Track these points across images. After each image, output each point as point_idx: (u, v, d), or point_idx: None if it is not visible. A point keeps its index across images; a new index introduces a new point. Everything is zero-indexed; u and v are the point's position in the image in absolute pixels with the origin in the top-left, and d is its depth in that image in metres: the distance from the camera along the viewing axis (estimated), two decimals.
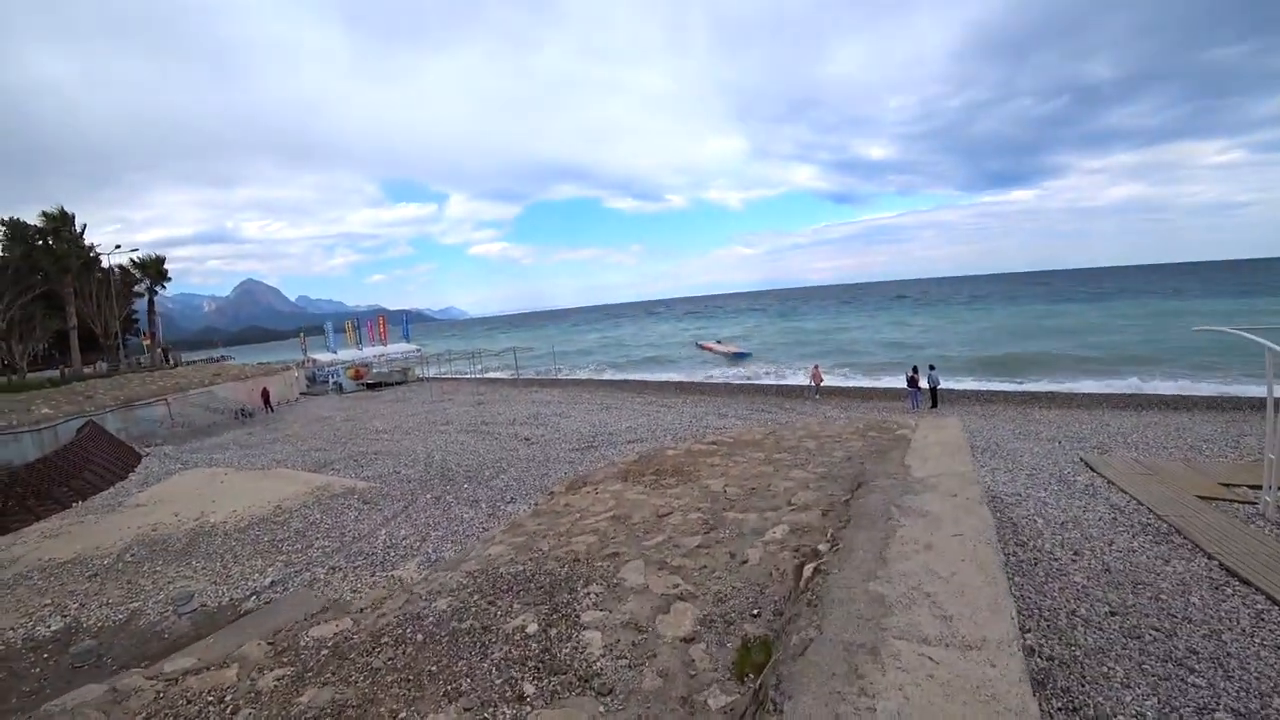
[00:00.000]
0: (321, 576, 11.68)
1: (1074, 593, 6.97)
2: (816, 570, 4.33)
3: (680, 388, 35.54)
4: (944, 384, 24.57)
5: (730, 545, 5.63)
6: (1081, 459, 14.22)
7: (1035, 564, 7.95)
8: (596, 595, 4.95)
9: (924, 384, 23.75)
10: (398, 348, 52.32)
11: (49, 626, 11.10)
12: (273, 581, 11.73)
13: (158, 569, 12.88)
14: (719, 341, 61.39)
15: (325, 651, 4.82)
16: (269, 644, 5.13)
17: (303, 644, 5.02)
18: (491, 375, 51.51)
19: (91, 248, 44.89)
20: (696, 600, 4.59)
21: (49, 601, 12.02)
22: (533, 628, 4.54)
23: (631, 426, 23.39)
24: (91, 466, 22.88)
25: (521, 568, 5.88)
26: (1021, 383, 29.75)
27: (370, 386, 46.54)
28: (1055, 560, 8.05)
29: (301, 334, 54.33)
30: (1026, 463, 14.29)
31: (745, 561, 5.15)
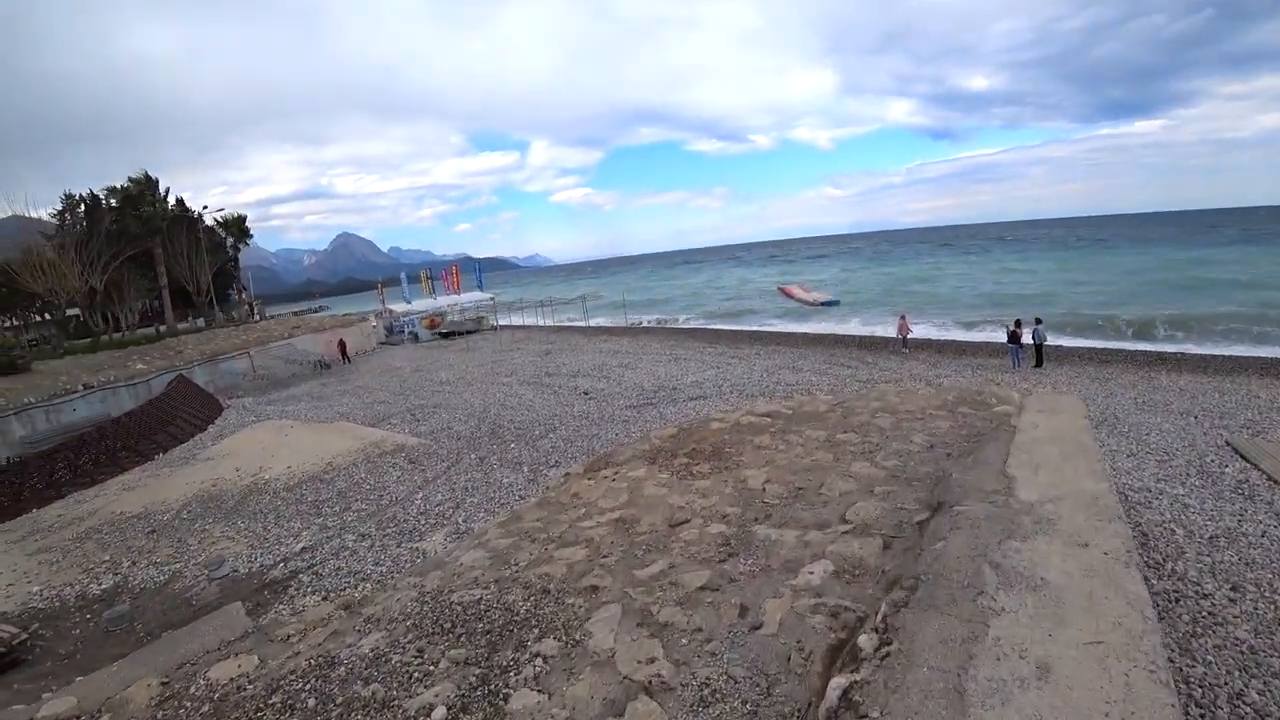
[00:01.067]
0: (350, 545, 11.28)
1: (1237, 656, 5.06)
2: (847, 697, 2.77)
3: (755, 337, 33.62)
4: (1051, 340, 21.69)
5: (747, 590, 4.19)
6: (1227, 442, 11.71)
7: (1176, 601, 6.05)
8: (543, 663, 3.67)
9: (1027, 339, 21.01)
10: (471, 296, 52.29)
11: (100, 585, 11.24)
12: (304, 548, 11.49)
13: (207, 527, 12.98)
14: (803, 287, 58.28)
15: (207, 707, 3.80)
16: (162, 684, 4.22)
17: (193, 689, 4.08)
18: (564, 324, 50.90)
19: (179, 208, 46.73)
20: (670, 697, 3.18)
21: (107, 558, 12.21)
22: (439, 714, 3.28)
23: (697, 380, 21.95)
24: (179, 419, 24.03)
25: (479, 595, 4.70)
26: (1145, 341, 26.09)
27: (444, 336, 46.83)
28: (1205, 597, 6.11)
29: (380, 284, 55.27)
30: (1155, 444, 11.92)
31: (759, 627, 3.70)
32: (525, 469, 14.47)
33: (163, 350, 36.72)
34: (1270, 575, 6.68)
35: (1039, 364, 20.97)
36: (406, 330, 48.36)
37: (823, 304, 48.39)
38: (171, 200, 47.29)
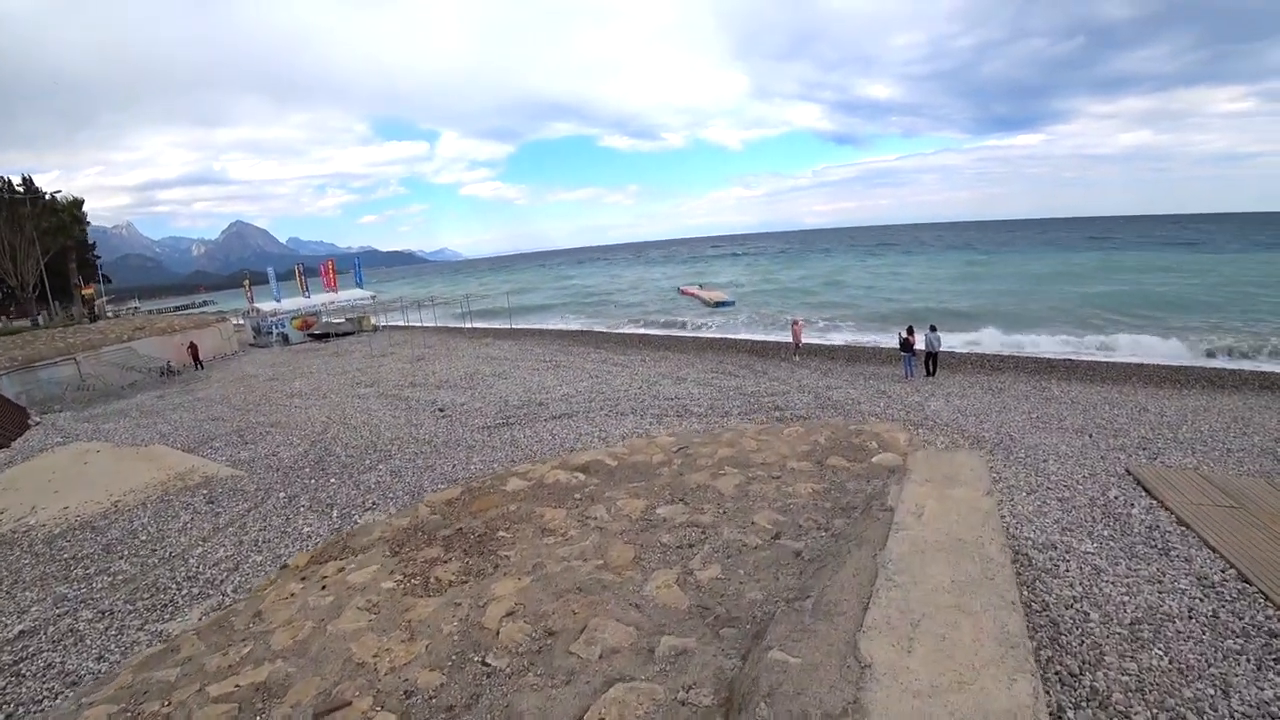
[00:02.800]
0: (81, 627, 8.82)
1: None
2: None
3: (645, 341, 31.55)
4: (944, 346, 20.61)
5: None
6: (1128, 470, 10.36)
7: None
8: None
9: (920, 345, 19.85)
10: (349, 294, 47.86)
11: None
12: (22, 631, 8.98)
13: None
14: (701, 287, 57.02)
15: None
16: None
17: None
18: (450, 324, 47.52)
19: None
20: None
21: None
22: None
23: (569, 394, 19.60)
24: None
25: None
26: (1032, 346, 25.64)
27: (317, 338, 42.55)
28: None
29: (246, 281, 49.62)
30: (1055, 475, 10.43)
31: None
32: (335, 514, 11.90)
33: None
34: (1211, 685, 4.97)
35: (932, 373, 19.83)
36: (275, 331, 43.67)
37: (718, 304, 47.13)
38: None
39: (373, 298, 48.87)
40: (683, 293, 56.69)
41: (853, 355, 24.26)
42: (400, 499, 12.10)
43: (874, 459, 6.37)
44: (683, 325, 38.56)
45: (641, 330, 37.88)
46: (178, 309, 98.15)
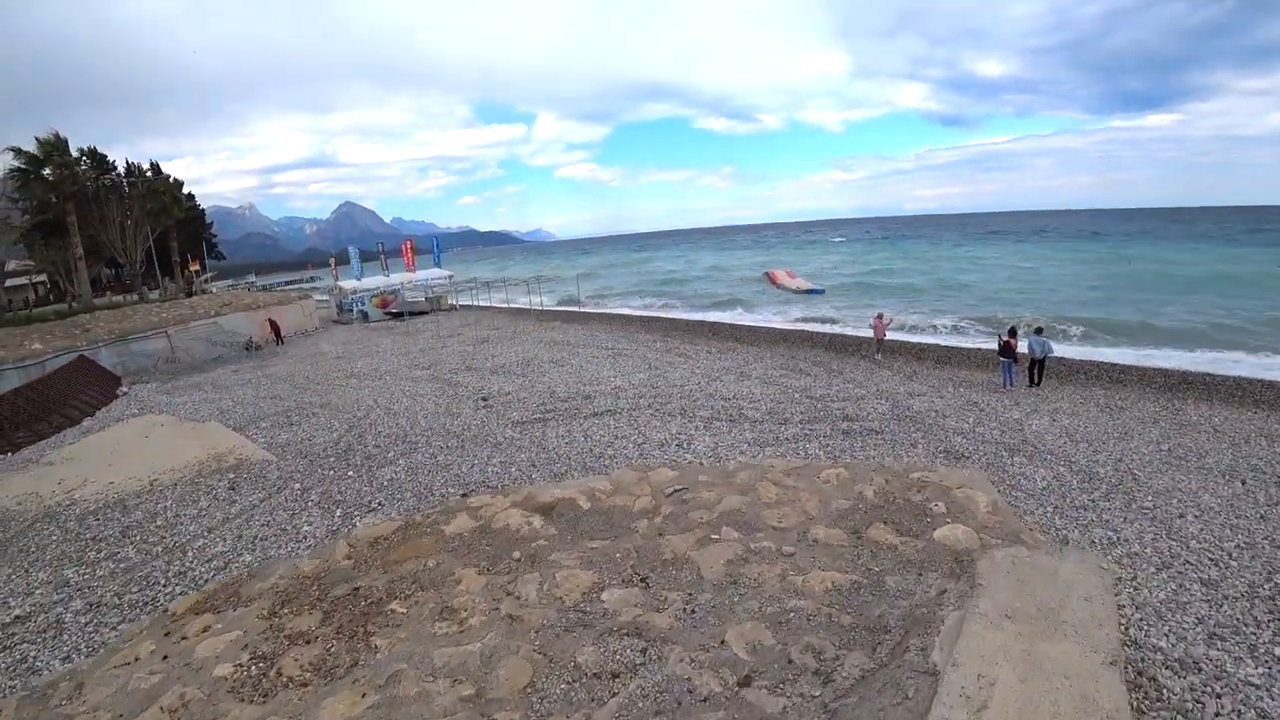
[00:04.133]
0: (67, 620, 8.44)
1: None
2: None
3: (716, 330, 29.60)
4: (1055, 352, 17.69)
5: None
6: None
7: None
8: None
9: (1023, 350, 17.10)
10: (426, 274, 48.16)
11: None
12: (17, 617, 8.74)
13: None
14: (789, 273, 54.14)
15: None
16: None
17: None
18: (527, 306, 47.16)
19: (97, 170, 42.53)
20: None
21: None
22: None
23: (620, 387, 18.15)
24: (78, 399, 22.30)
25: None
26: (1163, 356, 21.97)
27: (394, 316, 43.03)
28: None
29: (332, 260, 50.77)
30: (1196, 538, 7.99)
31: None
32: (338, 513, 11.16)
33: (67, 329, 32.96)
34: None
35: (1036, 383, 17.05)
36: (355, 309, 44.55)
37: (806, 292, 44.36)
38: (128, 164, 42.91)
39: (450, 277, 49.06)
40: (768, 278, 54.08)
41: (942, 357, 21.51)
42: (405, 501, 11.11)
43: (936, 533, 4.49)
44: (759, 313, 36.32)
45: (714, 317, 35.90)
46: (288, 283, 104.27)
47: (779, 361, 21.19)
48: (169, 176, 55.58)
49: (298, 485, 12.50)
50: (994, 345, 18.09)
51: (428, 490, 11.53)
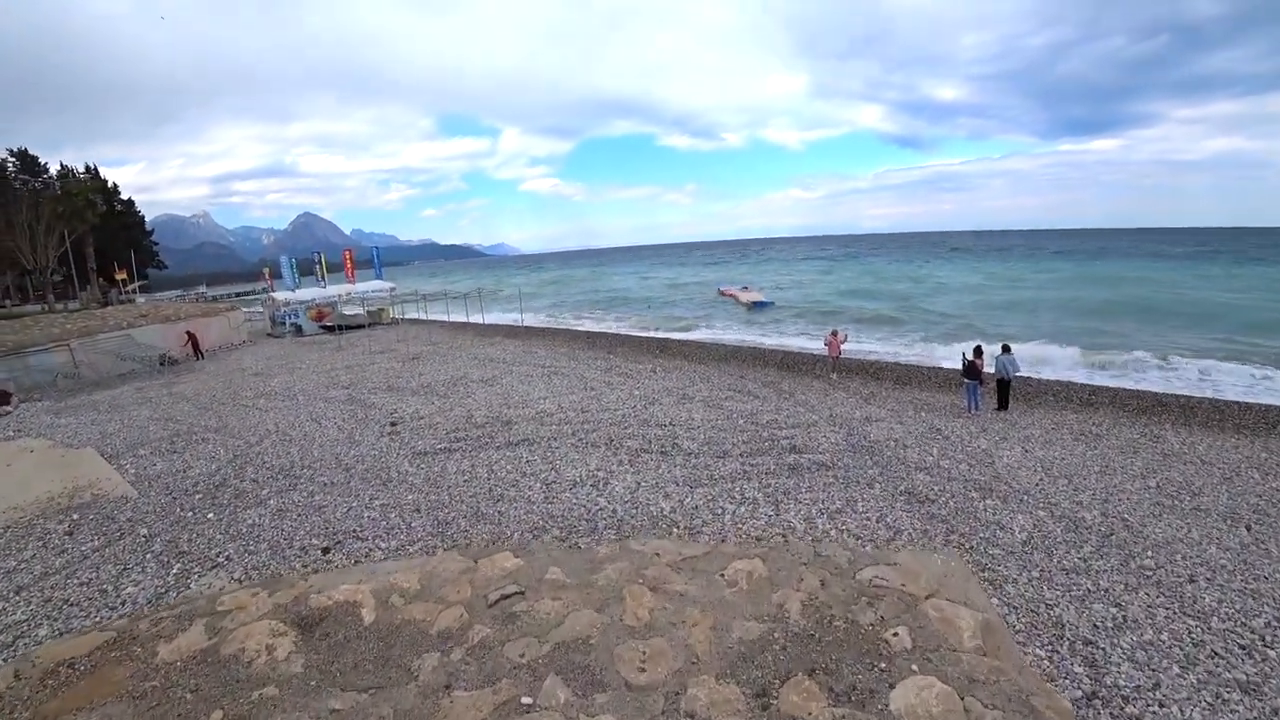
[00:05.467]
0: None
1: None
2: None
3: (663, 347, 27.80)
4: (1021, 371, 16.32)
5: None
6: None
7: None
8: None
9: (989, 370, 15.71)
10: (366, 285, 45.54)
11: None
12: None
13: None
14: (743, 288, 52.95)
15: None
16: None
17: None
18: (468, 320, 44.88)
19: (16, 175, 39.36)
20: None
21: None
22: None
23: (546, 411, 16.19)
24: None
25: None
26: (1138, 376, 20.84)
27: (329, 330, 40.37)
28: None
29: (267, 270, 47.76)
30: (1216, 613, 6.36)
31: None
32: (176, 569, 8.91)
33: None
34: None
35: (1003, 406, 15.63)
36: (288, 322, 41.76)
37: (756, 304, 43.09)
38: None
39: (391, 289, 46.51)
40: (722, 294, 52.79)
41: (902, 377, 20.07)
42: (258, 555, 9.03)
43: (893, 700, 2.65)
44: (710, 329, 34.74)
45: (663, 334, 34.16)
46: (238, 295, 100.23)
47: (726, 382, 19.47)
48: (89, 178, 51.98)
49: (145, 530, 10.34)
50: (957, 364, 16.68)
51: (288, 541, 9.41)
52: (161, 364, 31.81)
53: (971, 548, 7.98)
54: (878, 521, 8.79)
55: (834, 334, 20.41)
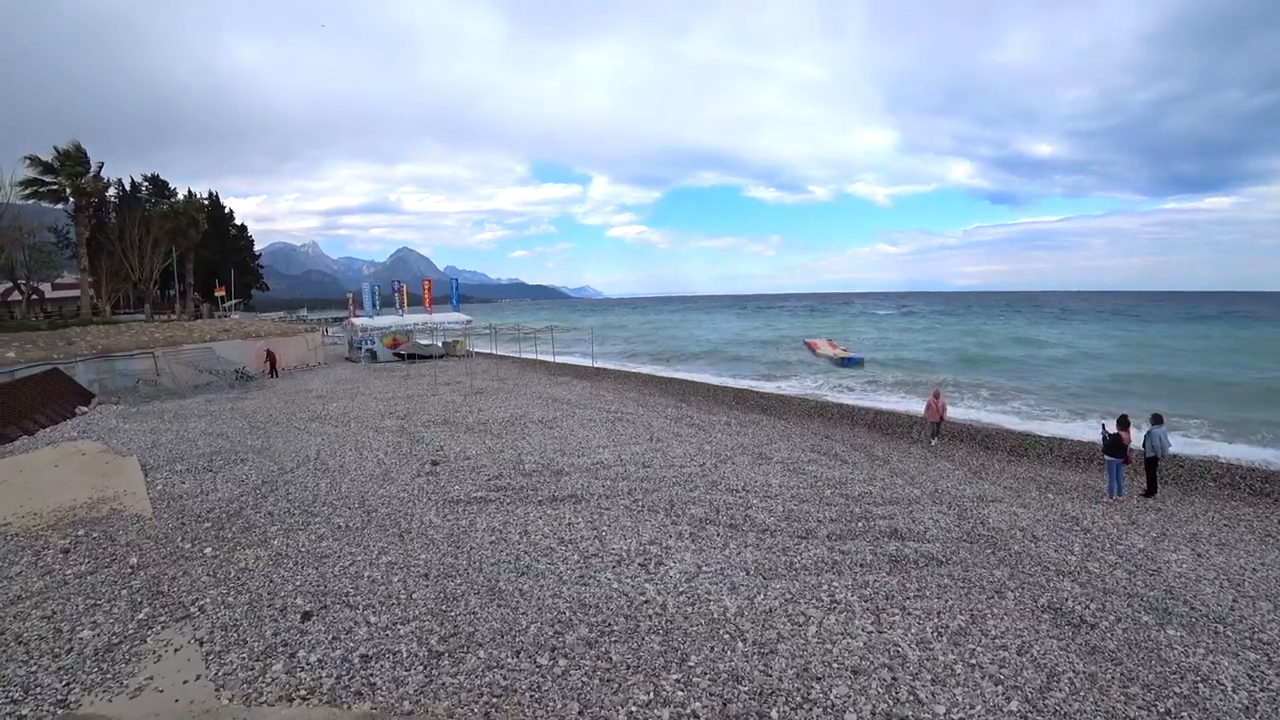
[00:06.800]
0: None
1: None
2: None
3: (740, 398, 25.63)
4: (1173, 449, 13.37)
5: None
6: None
7: None
8: None
9: (1136, 445, 12.85)
10: (444, 317, 45.61)
11: None
12: None
13: None
14: (830, 342, 50.14)
15: None
16: None
17: None
18: (539, 357, 44.05)
19: (114, 187, 41.90)
20: None
21: None
22: None
23: (604, 462, 14.41)
24: (40, 413, 21.26)
25: None
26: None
27: (402, 358, 40.35)
28: None
29: (351, 295, 48.84)
30: None
31: None
32: (140, 615, 7.61)
33: (53, 340, 31.28)
34: None
35: (1151, 491, 12.74)
36: (364, 347, 42.14)
37: (843, 361, 40.25)
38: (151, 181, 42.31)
39: (468, 322, 46.37)
40: (807, 345, 50.16)
41: (1017, 447, 17.19)
42: (232, 613, 7.54)
43: None
44: (793, 382, 32.24)
45: (742, 384, 31.89)
46: (335, 319, 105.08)
47: (810, 441, 17.16)
48: (197, 199, 55.11)
49: (135, 560, 9.26)
50: (1080, 433, 13.87)
51: (271, 596, 7.89)
52: (237, 378, 32.29)
53: (1168, 712, 5.55)
54: (1020, 654, 6.41)
55: (936, 394, 17.80)
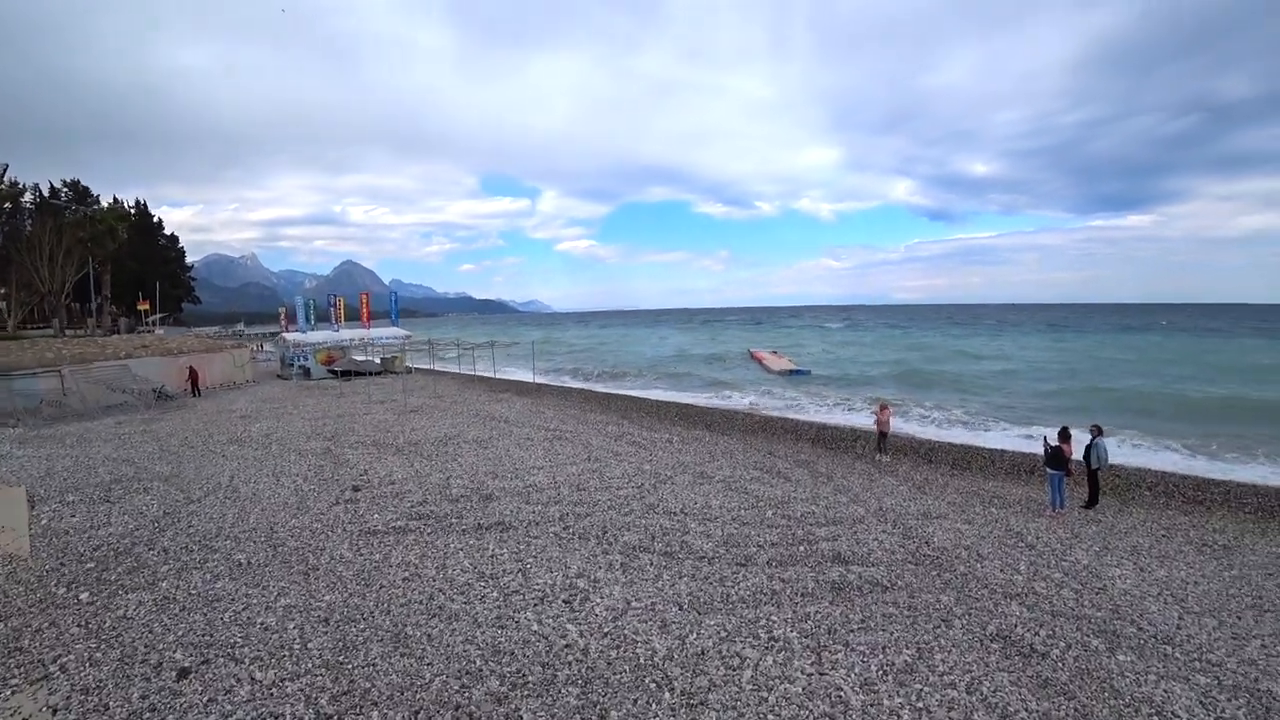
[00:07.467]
0: None
1: None
2: None
3: (684, 414, 25.14)
4: (1113, 459, 13.40)
5: None
6: None
7: None
8: None
9: (1078, 456, 12.78)
10: (382, 332, 43.98)
11: None
12: None
13: None
14: (775, 353, 50.31)
15: None
16: None
17: None
18: (481, 373, 42.85)
19: (40, 195, 39.30)
20: None
21: None
22: None
23: (537, 484, 13.63)
24: None
25: None
26: (1244, 464, 17.66)
27: (338, 375, 38.61)
28: None
29: (283, 310, 46.75)
30: None
31: None
32: None
33: None
34: None
35: (1093, 502, 12.70)
36: (297, 364, 40.21)
37: (790, 372, 40.40)
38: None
39: (407, 337, 44.82)
40: (752, 356, 50.21)
41: (961, 459, 17.14)
42: (98, 671, 6.57)
43: None
44: (737, 397, 32.00)
45: (685, 399, 31.45)
46: (272, 334, 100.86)
47: (753, 459, 16.72)
48: (119, 207, 52.16)
49: None
50: (1021, 445, 13.79)
51: (147, 650, 6.90)
52: (155, 398, 30.25)
53: None
54: (969, 692, 5.94)
55: (882, 408, 17.61)
